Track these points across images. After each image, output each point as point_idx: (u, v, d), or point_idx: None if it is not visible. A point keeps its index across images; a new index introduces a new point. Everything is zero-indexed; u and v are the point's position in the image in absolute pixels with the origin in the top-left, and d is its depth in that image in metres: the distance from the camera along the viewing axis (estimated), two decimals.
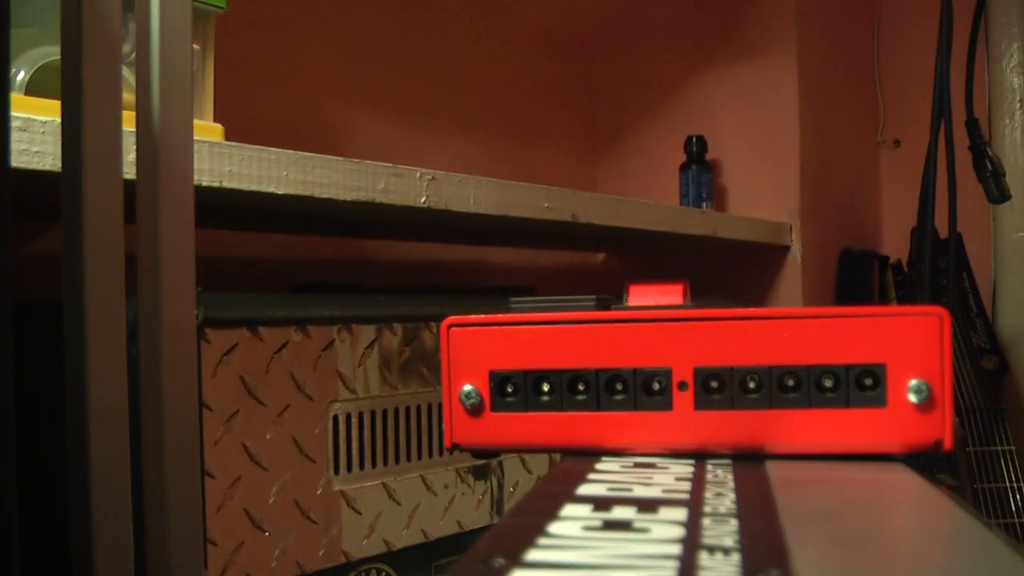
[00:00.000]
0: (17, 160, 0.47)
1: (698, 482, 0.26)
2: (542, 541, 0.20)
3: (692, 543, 0.20)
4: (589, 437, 0.31)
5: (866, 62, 1.45)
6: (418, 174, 0.70)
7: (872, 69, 1.45)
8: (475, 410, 0.31)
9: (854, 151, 1.40)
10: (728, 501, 0.24)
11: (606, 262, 1.49)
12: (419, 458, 0.67)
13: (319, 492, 0.60)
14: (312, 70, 1.08)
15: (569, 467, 0.29)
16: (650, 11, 1.41)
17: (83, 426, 0.39)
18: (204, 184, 0.55)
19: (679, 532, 0.21)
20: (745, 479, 0.27)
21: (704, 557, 0.19)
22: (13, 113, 0.45)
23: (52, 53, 0.57)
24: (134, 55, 0.43)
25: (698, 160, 1.26)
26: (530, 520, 0.22)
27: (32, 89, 0.56)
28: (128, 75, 0.48)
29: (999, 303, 1.32)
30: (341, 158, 0.64)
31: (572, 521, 0.22)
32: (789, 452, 0.30)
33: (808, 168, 1.24)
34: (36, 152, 0.48)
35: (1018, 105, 1.31)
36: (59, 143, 0.45)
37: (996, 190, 1.03)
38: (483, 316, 0.32)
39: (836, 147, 1.34)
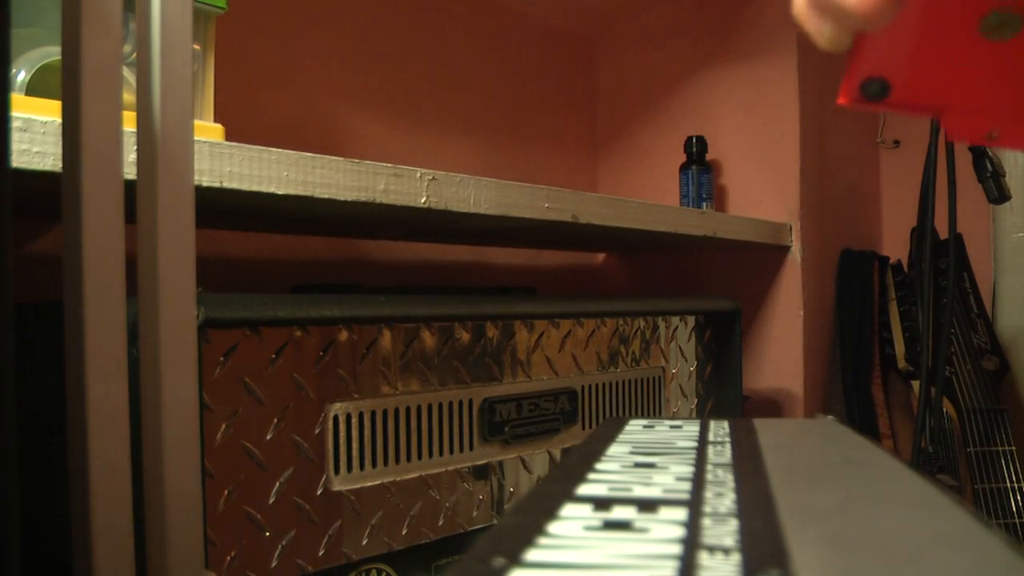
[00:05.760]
0: (17, 160, 0.47)
1: (698, 482, 0.26)
2: (542, 541, 0.20)
3: (692, 543, 0.20)
4: None
5: None
6: (418, 174, 0.70)
7: None
8: None
9: (854, 151, 1.40)
10: (728, 501, 0.24)
11: (606, 262, 1.49)
12: (419, 458, 0.67)
13: (319, 492, 0.60)
14: (312, 70, 1.08)
15: (569, 466, 0.29)
16: (651, 11, 1.41)
17: (83, 426, 0.39)
18: (204, 184, 0.55)
19: (679, 532, 0.21)
20: (745, 479, 0.27)
21: (704, 557, 0.19)
22: (13, 113, 0.45)
23: (52, 53, 0.57)
24: (134, 55, 0.43)
25: (698, 160, 1.26)
26: (530, 520, 0.22)
27: (32, 89, 0.56)
28: (128, 75, 0.48)
29: (999, 303, 1.32)
30: (341, 159, 0.64)
31: (572, 521, 0.22)
32: None
33: (808, 168, 1.24)
34: (36, 152, 0.48)
35: None
36: (59, 143, 0.45)
37: (996, 190, 1.03)
38: None
39: (836, 147, 1.34)
